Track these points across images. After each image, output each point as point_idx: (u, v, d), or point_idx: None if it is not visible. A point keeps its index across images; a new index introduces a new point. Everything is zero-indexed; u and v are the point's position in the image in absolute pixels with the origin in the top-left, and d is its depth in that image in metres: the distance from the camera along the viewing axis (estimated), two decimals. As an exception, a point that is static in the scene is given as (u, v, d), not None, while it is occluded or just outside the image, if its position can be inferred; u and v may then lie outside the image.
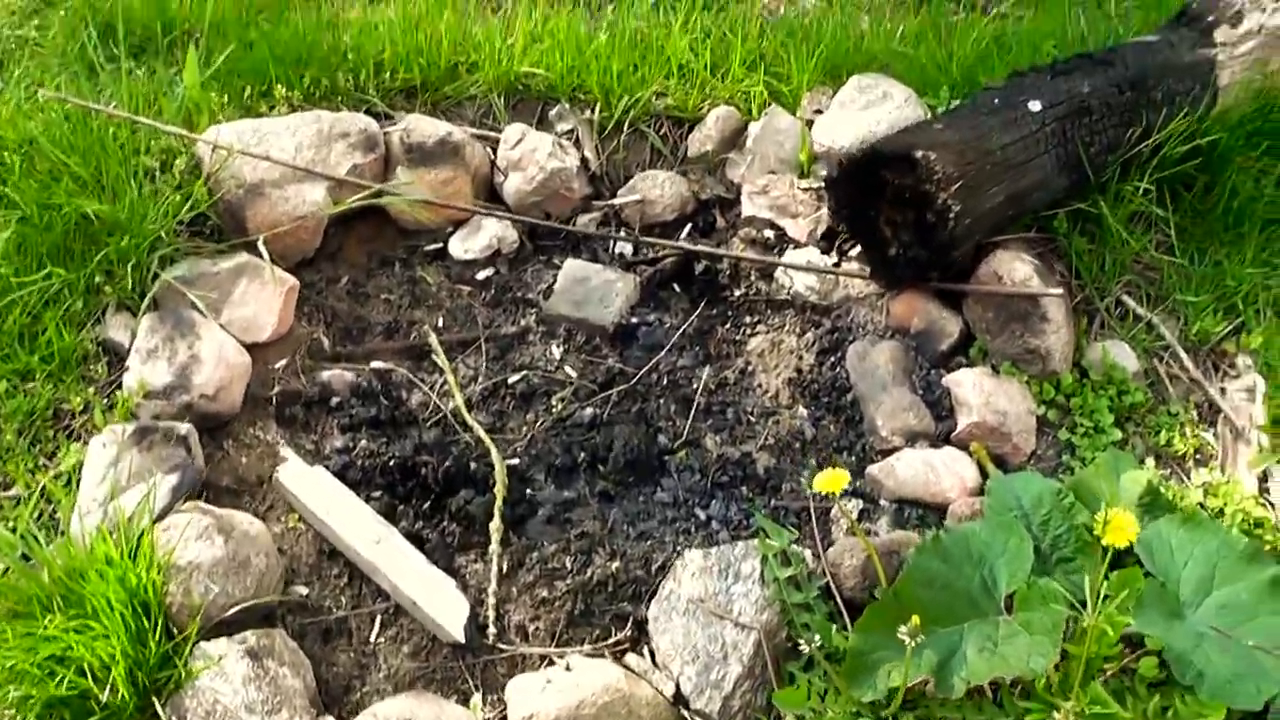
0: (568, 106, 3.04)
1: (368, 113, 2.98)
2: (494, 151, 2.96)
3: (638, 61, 3.07)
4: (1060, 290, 2.61)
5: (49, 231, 2.54)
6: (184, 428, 2.27)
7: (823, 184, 2.87)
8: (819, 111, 3.07)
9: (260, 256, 2.60)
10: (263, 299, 2.56)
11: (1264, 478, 2.51)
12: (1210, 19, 3.11)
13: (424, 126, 2.83)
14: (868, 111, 2.97)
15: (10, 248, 2.52)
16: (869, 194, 2.62)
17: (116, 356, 2.49)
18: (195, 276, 2.56)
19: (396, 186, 2.79)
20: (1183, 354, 2.72)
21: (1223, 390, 2.69)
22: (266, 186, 2.67)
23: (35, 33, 3.20)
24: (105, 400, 2.40)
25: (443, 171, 2.82)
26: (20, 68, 3.07)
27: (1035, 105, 2.74)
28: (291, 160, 2.70)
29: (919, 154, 2.50)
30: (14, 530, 2.09)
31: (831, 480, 1.99)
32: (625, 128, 3.01)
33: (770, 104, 3.05)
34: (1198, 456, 2.57)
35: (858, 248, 2.82)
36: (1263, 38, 3.07)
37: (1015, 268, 2.63)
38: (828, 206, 2.81)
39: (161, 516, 2.14)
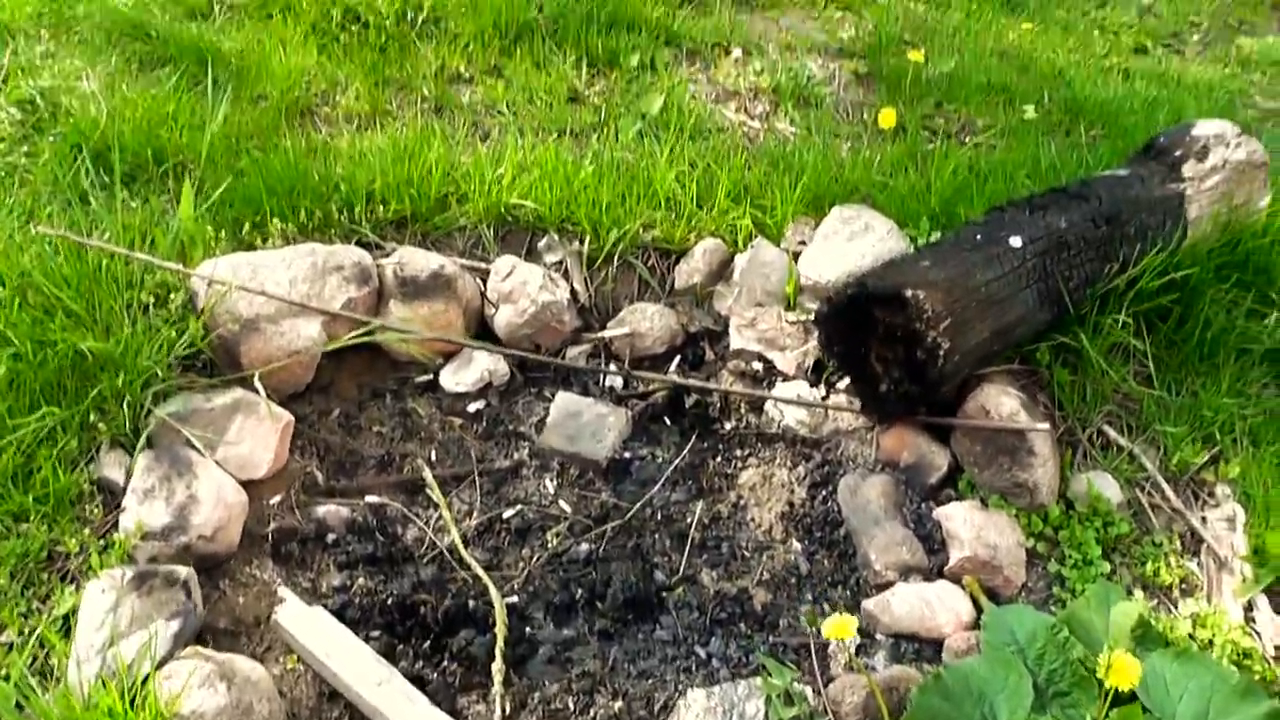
0: (556, 238, 3.11)
1: (359, 243, 3.04)
2: (484, 283, 3.02)
3: (625, 194, 3.15)
4: (1046, 426, 2.69)
5: (43, 368, 2.55)
6: (184, 571, 2.29)
7: (812, 318, 2.94)
8: (803, 243, 3.17)
9: (255, 392, 2.63)
10: (259, 435, 2.59)
11: (1249, 607, 2.58)
12: (1178, 154, 3.24)
13: (417, 260, 2.89)
14: (852, 244, 3.06)
15: (3, 385, 2.53)
16: (859, 330, 2.70)
17: (111, 495, 2.50)
18: (190, 413, 2.59)
19: (390, 320, 2.83)
20: (1164, 484, 2.80)
21: (1204, 520, 2.77)
22: (262, 321, 2.71)
23: (25, 160, 3.23)
24: (101, 541, 2.40)
25: (435, 305, 2.87)
26: (11, 196, 3.10)
27: (1016, 241, 2.84)
28: (286, 294, 2.75)
29: (909, 293, 2.58)
30: (7, 679, 2.08)
31: (839, 628, 2.04)
32: (613, 259, 3.08)
33: (756, 236, 3.14)
34: (1184, 586, 2.64)
35: (846, 381, 2.89)
36: (1227, 172, 3.21)
37: (1002, 402, 2.71)
38: (818, 343, 2.89)
39: (162, 664, 2.14)
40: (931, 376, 2.63)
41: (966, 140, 3.79)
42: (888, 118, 3.68)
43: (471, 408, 2.90)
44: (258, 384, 2.63)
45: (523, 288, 2.95)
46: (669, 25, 4.08)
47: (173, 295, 2.75)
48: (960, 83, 4.02)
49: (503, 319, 2.96)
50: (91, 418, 2.54)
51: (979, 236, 2.87)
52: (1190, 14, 5.25)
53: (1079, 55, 4.52)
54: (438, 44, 3.88)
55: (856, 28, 4.36)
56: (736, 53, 4.06)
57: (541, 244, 3.13)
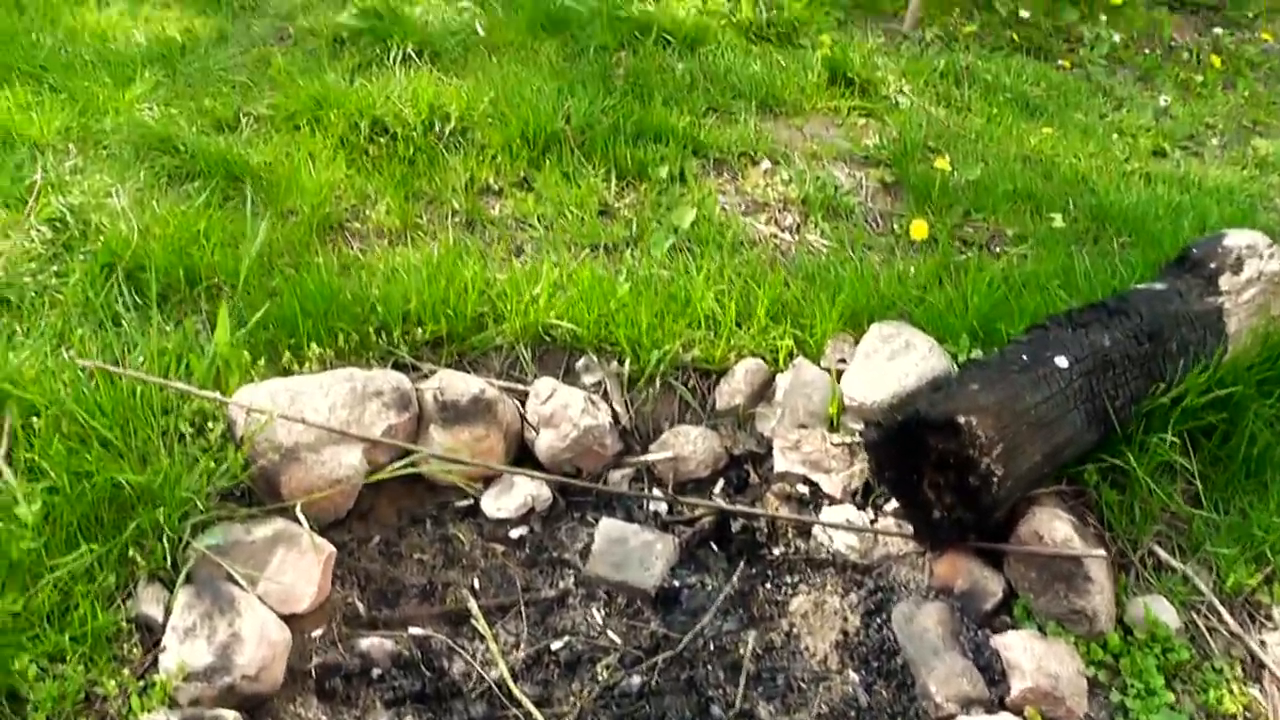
0: (595, 358, 3.09)
1: (395, 365, 3.02)
2: (523, 404, 2.99)
3: (664, 312, 3.14)
4: (1102, 552, 2.67)
5: (79, 501, 2.51)
6: (230, 716, 2.23)
7: (857, 439, 2.93)
8: (843, 360, 3.15)
9: (296, 521, 2.59)
10: (301, 568, 2.54)
11: (1316, 735, 2.54)
12: (1213, 266, 3.25)
13: (456, 384, 2.87)
14: (894, 363, 3.05)
15: (39, 520, 2.49)
16: (911, 456, 2.67)
17: (150, 633, 2.44)
18: (230, 545, 2.55)
19: (430, 446, 2.80)
20: (1220, 607, 2.77)
21: (1262, 643, 2.74)
22: (302, 450, 2.68)
23: (55, 280, 3.21)
24: (141, 683, 2.35)
25: (476, 430, 2.85)
26: (42, 318, 3.07)
27: (1062, 361, 2.83)
28: (326, 421, 2.72)
29: (961, 419, 2.56)
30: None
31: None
32: (654, 380, 3.06)
33: (797, 355, 3.13)
34: (1247, 715, 2.59)
35: (894, 504, 2.86)
36: (1263, 284, 3.22)
37: (1055, 527, 2.69)
38: (870, 470, 2.86)
39: (211, 815, 2.08)
40: (985, 503, 2.60)
41: (998, 251, 3.79)
42: (919, 229, 3.69)
43: (514, 534, 2.86)
44: (301, 516, 2.59)
45: (564, 411, 2.92)
46: (695, 135, 4.10)
47: (212, 425, 2.72)
48: (987, 190, 4.03)
49: (544, 443, 2.93)
50: (130, 552, 2.49)
51: (1025, 356, 2.85)
52: (1205, 116, 5.31)
53: (1100, 160, 4.55)
54: (465, 155, 3.89)
55: (880, 135, 4.38)
56: (765, 164, 4.07)
57: (579, 364, 3.11)
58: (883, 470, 2.77)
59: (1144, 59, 5.87)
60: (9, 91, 4.03)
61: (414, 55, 4.49)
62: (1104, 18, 6.08)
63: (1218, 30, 6.37)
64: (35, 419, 2.64)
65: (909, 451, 2.68)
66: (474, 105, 4.05)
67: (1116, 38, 5.91)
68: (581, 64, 4.59)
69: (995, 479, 2.56)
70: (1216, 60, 5.89)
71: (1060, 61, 5.62)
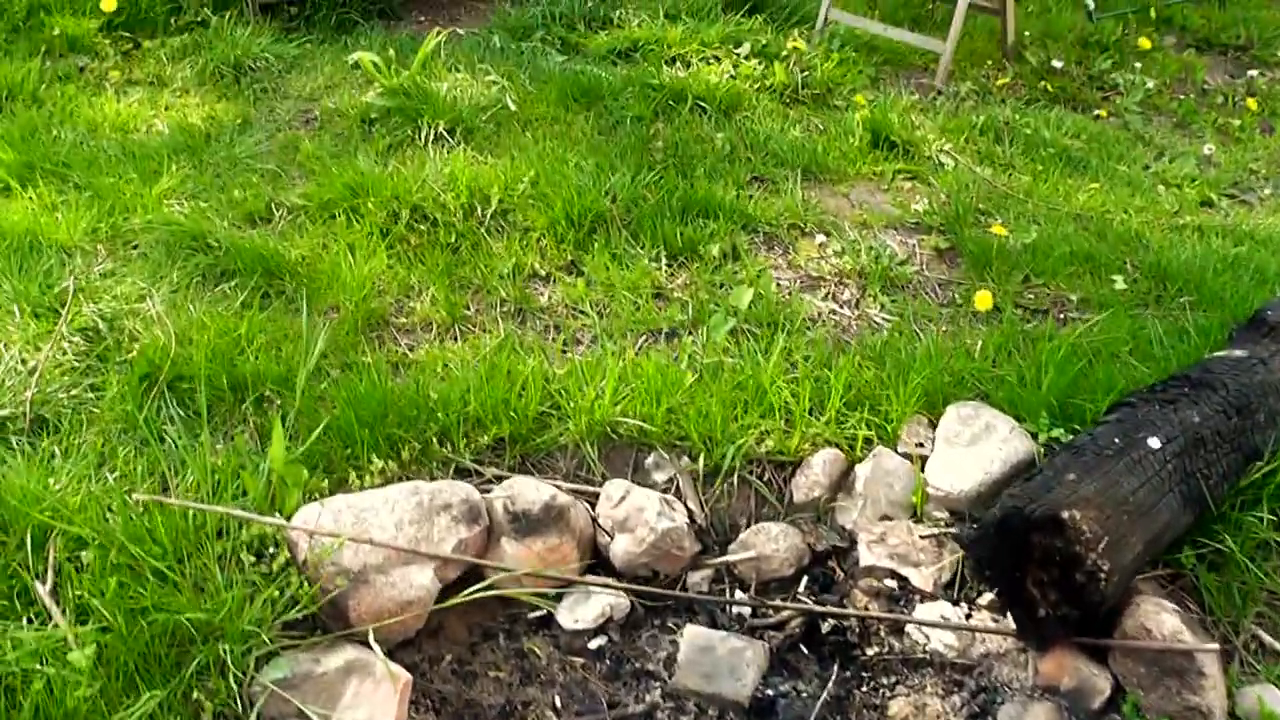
0: (664, 455, 2.99)
1: (457, 471, 2.91)
2: (592, 506, 2.89)
3: (734, 402, 3.04)
4: (1215, 646, 2.56)
5: (135, 640, 2.40)
6: None
7: (947, 533, 2.83)
8: (920, 444, 3.06)
9: (368, 647, 2.47)
10: (377, 700, 2.43)
11: None
12: (1289, 327, 3.17)
13: (527, 492, 2.77)
14: (976, 448, 2.95)
15: (91, 664, 2.37)
16: (1012, 553, 2.56)
17: (217, 779, 2.33)
18: (300, 679, 2.43)
19: (502, 559, 2.70)
20: (1334, 695, 2.65)
21: (1383, 730, 2.62)
22: (370, 572, 2.57)
23: (92, 394, 3.11)
24: (213, 838, 2.23)
25: (549, 539, 2.74)
26: (80, 437, 2.96)
27: (1154, 442, 2.74)
28: (393, 539, 2.62)
29: (1066, 515, 2.46)
30: None
31: None
32: (728, 476, 2.95)
33: (875, 444, 3.03)
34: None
35: (988, 595, 2.76)
36: (1339, 347, 3.14)
37: (1162, 620, 2.58)
38: (970, 569, 2.76)
39: None
40: (1092, 600, 2.50)
41: (1062, 317, 3.70)
42: (983, 300, 3.59)
43: (593, 645, 2.75)
44: (374, 645, 2.47)
45: (639, 515, 2.82)
46: (743, 208, 4.02)
47: (273, 551, 2.61)
48: (1044, 254, 3.95)
49: (620, 549, 2.82)
50: (194, 694, 2.37)
51: (1117, 439, 2.76)
52: (1248, 162, 5.23)
53: (1150, 214, 4.47)
54: (509, 240, 3.80)
55: (929, 199, 4.30)
56: (816, 235, 3.98)
57: (648, 461, 3.01)
58: (983, 569, 2.67)
59: (1179, 104, 5.79)
60: (33, 192, 3.94)
61: (446, 134, 4.40)
62: (1138, 65, 6.02)
63: (1252, 73, 6.30)
64: (82, 552, 2.53)
65: (1010, 548, 2.58)
66: (513, 186, 3.96)
67: (1150, 84, 5.84)
68: (618, 136, 4.52)
69: (1102, 575, 2.46)
70: (1252, 103, 5.82)
71: (1096, 111, 5.55)
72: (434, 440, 2.92)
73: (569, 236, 3.80)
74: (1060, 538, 2.48)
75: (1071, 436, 3.05)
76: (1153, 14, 6.76)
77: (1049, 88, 5.68)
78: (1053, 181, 4.59)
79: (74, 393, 3.13)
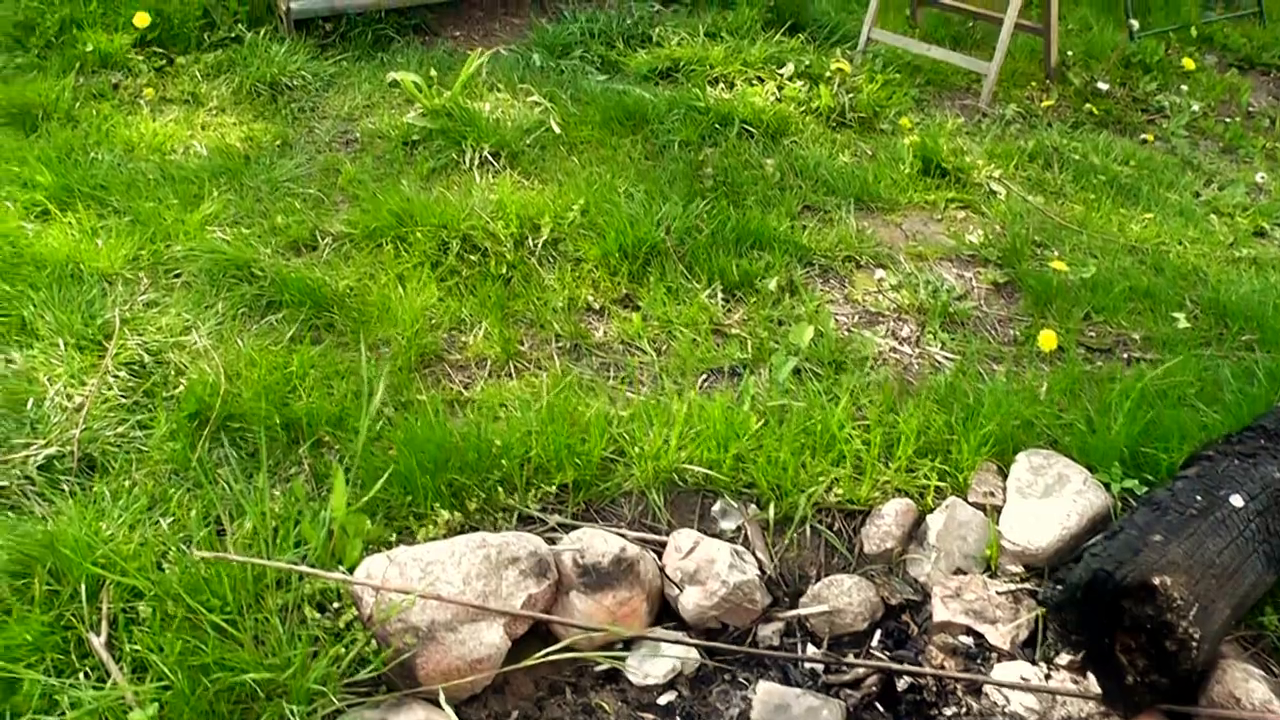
0: (732, 503, 2.92)
1: (519, 518, 2.85)
2: (659, 555, 2.82)
3: (803, 446, 2.98)
4: (1310, 713, 2.49)
5: (197, 699, 2.34)
6: None
7: (1024, 589, 2.78)
8: (990, 494, 3.00)
9: (436, 705, 2.42)
10: (449, 762, 2.37)
11: None
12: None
13: (596, 544, 2.71)
14: (1051, 501, 2.89)
15: (154, 724, 2.32)
16: (1099, 616, 2.50)
17: (292, 846, 2.27)
18: (369, 738, 2.37)
19: (571, 615, 2.64)
20: None
21: None
22: (439, 630, 2.51)
23: (140, 432, 3.04)
24: None
25: (620, 593, 2.68)
26: (128, 478, 2.90)
27: (1237, 500, 2.68)
28: (461, 594, 2.55)
29: (1157, 581, 2.40)
30: None
31: None
32: (801, 524, 2.89)
33: (945, 492, 2.97)
34: None
35: (1068, 659, 2.70)
36: None
37: (1252, 688, 2.52)
38: (1056, 633, 2.70)
39: None
40: (1183, 668, 2.44)
41: (1125, 357, 3.63)
42: (1048, 340, 3.53)
43: (662, 700, 2.68)
44: (444, 705, 2.42)
45: (710, 567, 2.75)
46: (797, 239, 3.95)
47: (335, 604, 2.54)
48: (1104, 290, 3.88)
49: (689, 601, 2.76)
50: (261, 755, 2.33)
51: (1199, 497, 2.70)
52: (1300, 187, 5.17)
53: (1204, 246, 4.40)
54: (561, 271, 3.73)
55: (983, 229, 4.23)
56: (872, 268, 3.92)
57: (715, 509, 2.95)
58: (1069, 632, 2.60)
59: (1225, 128, 5.73)
60: (72, 216, 3.88)
61: (490, 158, 4.34)
62: (1183, 87, 5.95)
63: (1296, 94, 6.26)
64: (138, 603, 2.48)
65: (1097, 612, 2.52)
66: (563, 215, 3.90)
67: (1195, 106, 5.78)
68: (666, 161, 4.46)
69: (1194, 643, 2.40)
70: (1300, 126, 5.77)
71: (1143, 135, 5.49)
72: (498, 488, 2.85)
73: (622, 269, 3.74)
74: (1151, 604, 2.42)
75: (1146, 489, 3.01)
76: (1193, 32, 6.70)
77: (1094, 110, 5.61)
78: (1105, 211, 4.53)
79: (121, 430, 3.07)
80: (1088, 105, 5.65)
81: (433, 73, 4.79)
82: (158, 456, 2.99)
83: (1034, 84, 5.77)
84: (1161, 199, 4.76)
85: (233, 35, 5.31)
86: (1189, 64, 6.18)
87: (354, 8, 5.54)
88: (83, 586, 2.55)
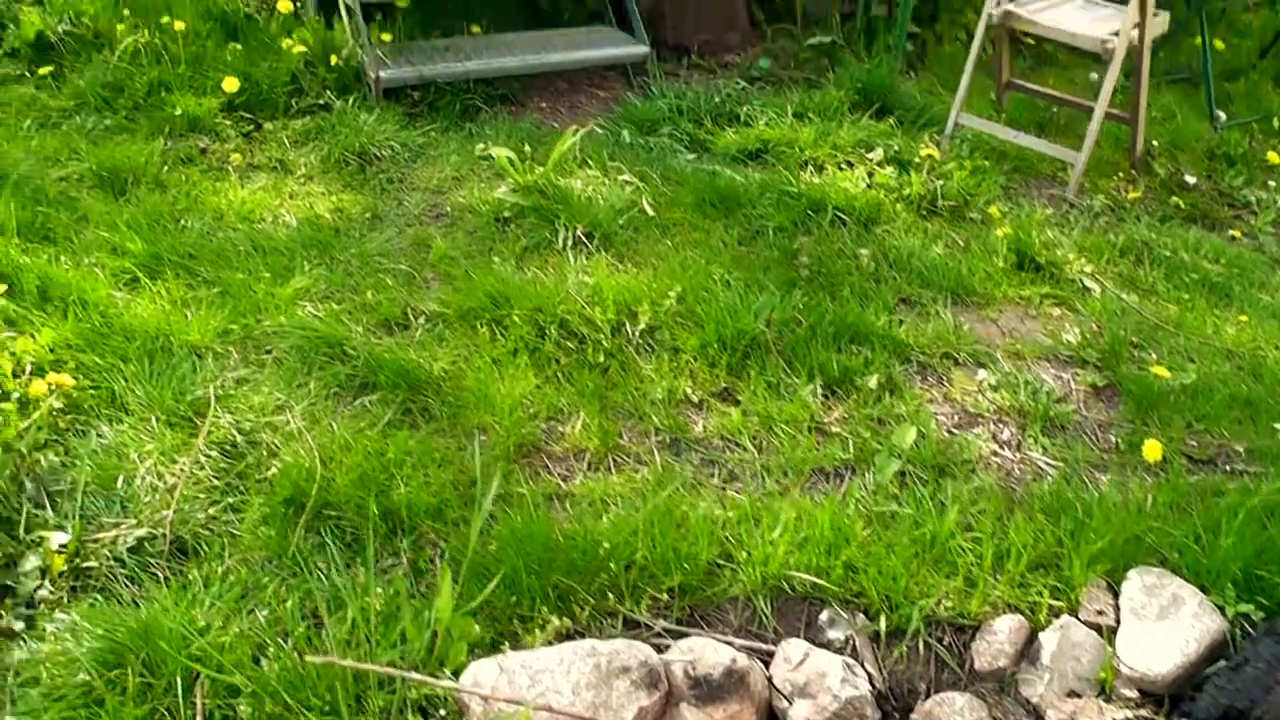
0: (841, 613, 2.87)
1: (624, 623, 2.81)
2: (766, 665, 2.78)
3: (915, 558, 2.93)
4: None
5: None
6: None
7: (1142, 716, 2.70)
8: (1101, 612, 2.95)
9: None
10: None
11: None
12: None
13: (707, 655, 2.67)
14: (1167, 624, 2.84)
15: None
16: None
17: None
18: None
19: (682, 726, 2.59)
20: None
21: None
22: (549, 740, 2.46)
23: (232, 515, 3.02)
24: None
25: (730, 706, 2.64)
26: (222, 564, 2.88)
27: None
28: (571, 705, 2.53)
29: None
30: None
31: None
32: (909, 637, 2.84)
33: (1056, 608, 2.92)
34: None
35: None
36: None
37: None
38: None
39: None
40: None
41: (1228, 470, 3.57)
42: (1153, 451, 3.47)
43: (769, 818, 2.63)
44: (556, 821, 2.37)
45: (820, 680, 2.71)
46: (895, 335, 3.91)
47: (440, 710, 2.51)
48: (1204, 396, 3.82)
49: (799, 715, 2.72)
50: None
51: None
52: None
53: (1302, 350, 4.34)
54: (659, 361, 3.70)
55: (1079, 328, 4.18)
56: (971, 367, 3.88)
57: (823, 618, 2.91)
58: (1201, 772, 2.54)
59: (1313, 226, 5.68)
60: (161, 286, 3.88)
61: (584, 239, 4.33)
62: (1271, 182, 5.90)
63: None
64: (235, 701, 2.45)
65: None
66: (660, 301, 3.87)
67: (1281, 202, 5.73)
68: (759, 248, 4.44)
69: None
70: (1387, 225, 5.69)
71: (1230, 231, 5.43)
72: (607, 593, 2.81)
73: (721, 360, 3.70)
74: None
75: (1262, 614, 2.94)
76: (1275, 124, 6.65)
77: (1180, 204, 5.56)
78: (1199, 311, 4.47)
79: (212, 513, 3.05)
80: (1174, 198, 5.59)
81: (525, 147, 4.79)
82: (250, 542, 2.96)
83: (1119, 174, 5.72)
84: (1254, 300, 4.69)
85: (321, 102, 5.33)
86: (1274, 158, 6.13)
87: (443, 77, 5.56)
88: (178, 679, 2.52)
